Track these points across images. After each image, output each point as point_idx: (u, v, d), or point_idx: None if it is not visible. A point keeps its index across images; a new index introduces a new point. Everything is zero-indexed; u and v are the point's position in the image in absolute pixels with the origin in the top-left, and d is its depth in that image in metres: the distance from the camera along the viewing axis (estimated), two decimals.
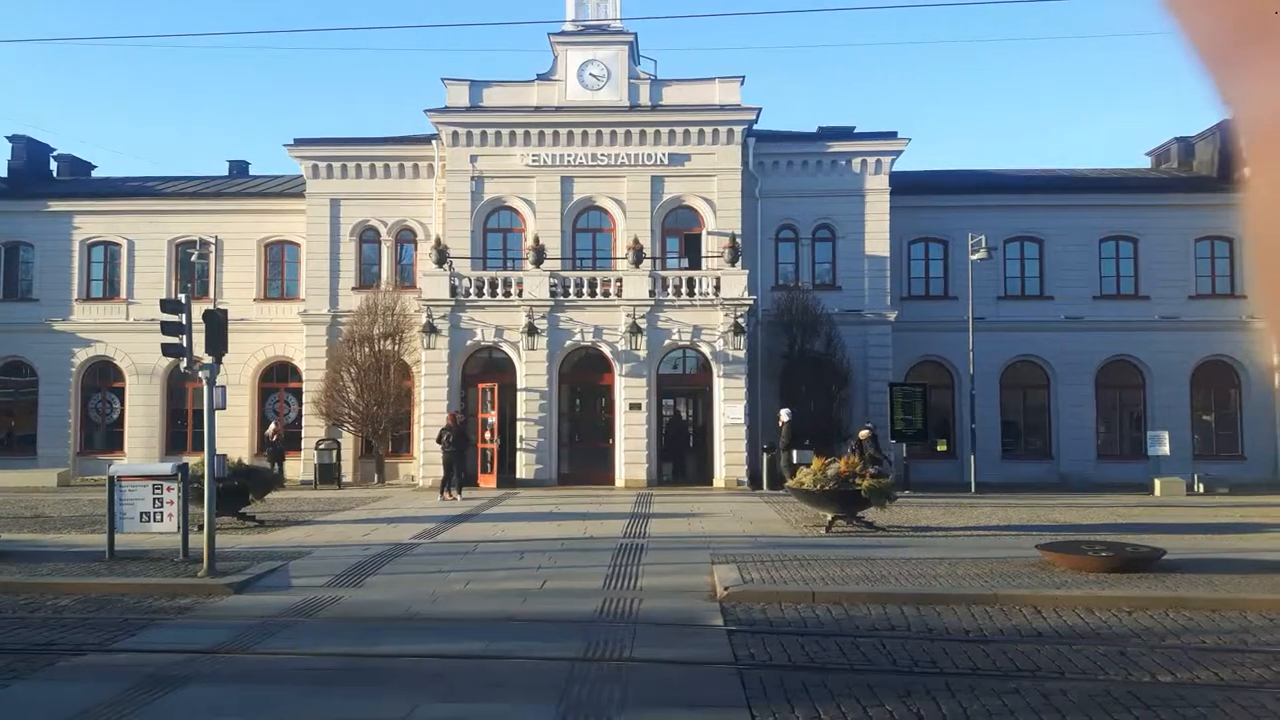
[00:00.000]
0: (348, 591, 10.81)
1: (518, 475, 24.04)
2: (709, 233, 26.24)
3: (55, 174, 32.94)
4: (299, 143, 27.64)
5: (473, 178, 26.44)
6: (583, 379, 25.63)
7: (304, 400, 27.11)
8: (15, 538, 14.47)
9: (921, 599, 9.93)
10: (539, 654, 8.10)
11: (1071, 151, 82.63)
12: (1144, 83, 72.86)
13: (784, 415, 22.99)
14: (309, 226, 27.68)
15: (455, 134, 26.37)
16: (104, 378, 29.36)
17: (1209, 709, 6.43)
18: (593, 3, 26.81)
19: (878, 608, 9.62)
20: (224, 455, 15.18)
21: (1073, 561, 11.48)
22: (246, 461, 20.12)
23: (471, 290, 24.60)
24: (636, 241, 24.62)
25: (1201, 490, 23.53)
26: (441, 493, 20.95)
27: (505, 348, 24.73)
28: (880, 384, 25.90)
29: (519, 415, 24.43)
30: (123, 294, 29.10)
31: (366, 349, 25.94)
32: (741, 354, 24.15)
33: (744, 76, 26.25)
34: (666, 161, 26.34)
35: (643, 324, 24.04)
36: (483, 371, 25.35)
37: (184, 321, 12.33)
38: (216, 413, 12.59)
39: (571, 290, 24.54)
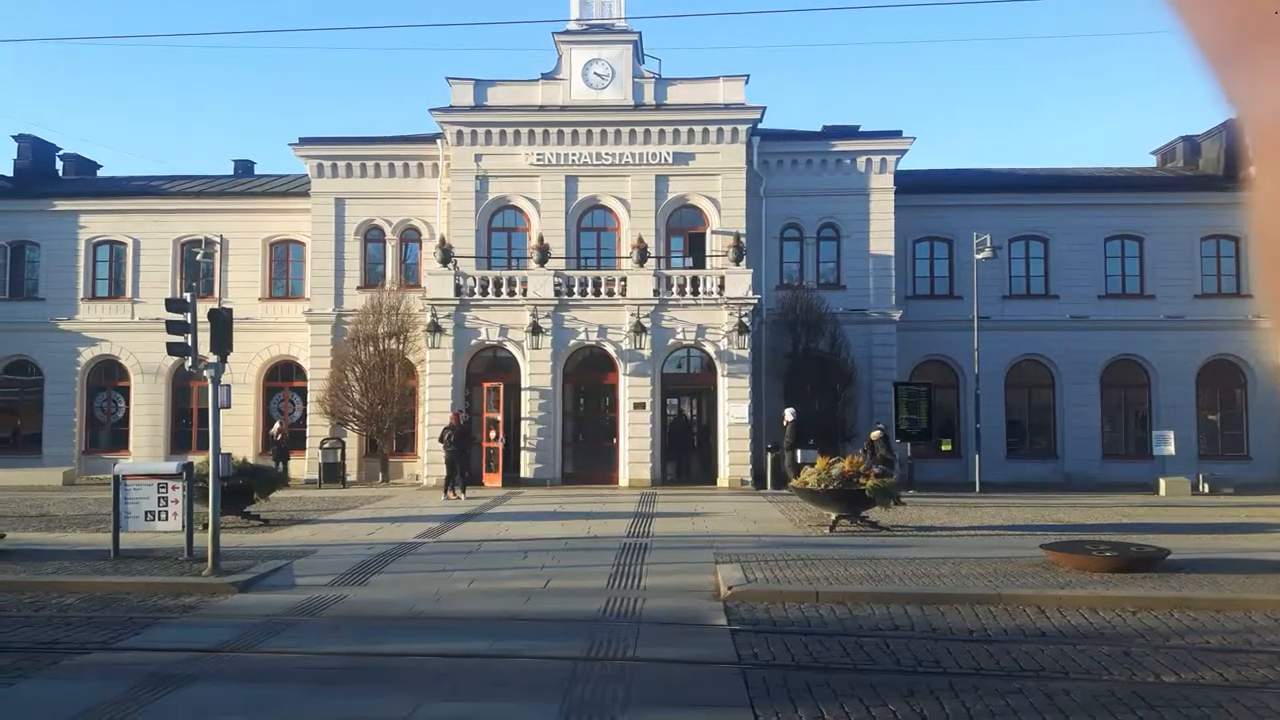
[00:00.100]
0: (352, 590, 10.83)
1: (522, 474, 24.06)
2: (713, 232, 26.23)
3: (61, 173, 33.07)
4: (304, 142, 27.69)
5: (477, 177, 26.46)
6: (587, 378, 25.64)
7: (309, 399, 27.16)
8: (20, 536, 14.49)
9: (925, 599, 9.92)
10: (542, 653, 8.10)
11: (1077, 150, 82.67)
12: (1149, 82, 72.76)
13: (788, 415, 22.98)
14: (314, 226, 27.72)
15: (460, 133, 26.39)
16: (109, 377, 29.43)
17: (1213, 709, 6.41)
18: (597, 2, 26.80)
19: (881, 607, 9.61)
20: (229, 454, 15.20)
21: (1077, 561, 11.46)
22: (251, 460, 20.19)
23: (476, 289, 24.62)
24: (641, 240, 24.62)
25: (1207, 490, 23.46)
26: (445, 492, 20.98)
27: (510, 347, 24.74)
28: (885, 383, 25.89)
29: (523, 414, 24.45)
30: (128, 293, 29.16)
31: (371, 348, 25.96)
32: (746, 353, 24.14)
33: (748, 75, 26.26)
34: (671, 160, 26.33)
35: (647, 323, 24.04)
36: (487, 371, 25.36)
37: (189, 321, 12.34)
38: (221, 412, 12.61)
39: (576, 289, 24.55)
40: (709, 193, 26.36)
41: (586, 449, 25.49)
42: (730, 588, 10.29)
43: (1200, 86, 0.79)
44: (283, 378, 28.98)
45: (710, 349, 24.44)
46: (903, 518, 16.61)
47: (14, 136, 31.88)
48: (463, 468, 21.32)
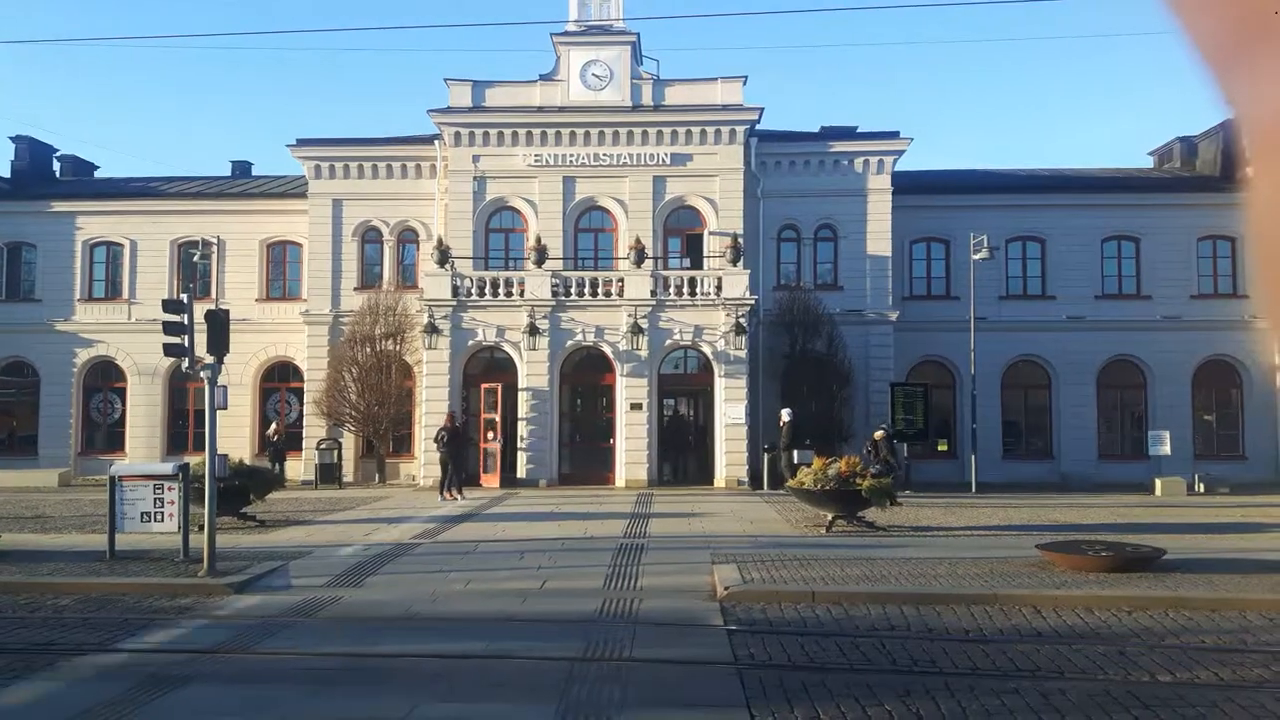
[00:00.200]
0: (348, 591, 10.82)
1: (519, 475, 24.05)
2: (711, 233, 26.24)
3: (58, 174, 33.01)
4: (301, 143, 27.67)
5: (475, 178, 26.45)
6: (584, 379, 25.64)
7: (305, 400, 27.13)
8: (16, 538, 14.46)
9: (921, 599, 9.92)
10: (539, 654, 8.10)
11: (1074, 151, 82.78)
12: (1147, 82, 72.89)
13: (785, 415, 22.99)
14: (311, 227, 27.70)
15: (458, 134, 26.38)
16: (105, 378, 29.39)
17: (1208, 709, 6.42)
18: (595, 3, 26.80)
19: (877, 608, 9.62)
20: (225, 455, 15.19)
21: (1073, 561, 11.47)
22: (247, 461, 20.16)
23: (473, 290, 24.61)
24: (638, 241, 24.63)
25: (1202, 490, 23.52)
26: (441, 492, 20.96)
27: (507, 348, 24.74)
28: (882, 384, 25.91)
29: (520, 415, 24.44)
30: (125, 294, 29.12)
31: (368, 349, 25.95)
32: (743, 354, 24.15)
33: (746, 76, 26.29)
34: (669, 161, 26.34)
35: (644, 324, 24.04)
36: (484, 371, 25.35)
37: (186, 321, 12.33)
38: (218, 413, 12.60)
39: (573, 290, 24.55)
40: (707, 194, 26.37)
41: (583, 449, 25.49)
42: (727, 588, 10.29)
43: (1198, 87, 0.79)
44: (279, 379, 28.95)
45: (707, 350, 24.44)
46: (899, 518, 16.64)
47: (11, 138, 31.93)
48: (458, 469, 21.30)
